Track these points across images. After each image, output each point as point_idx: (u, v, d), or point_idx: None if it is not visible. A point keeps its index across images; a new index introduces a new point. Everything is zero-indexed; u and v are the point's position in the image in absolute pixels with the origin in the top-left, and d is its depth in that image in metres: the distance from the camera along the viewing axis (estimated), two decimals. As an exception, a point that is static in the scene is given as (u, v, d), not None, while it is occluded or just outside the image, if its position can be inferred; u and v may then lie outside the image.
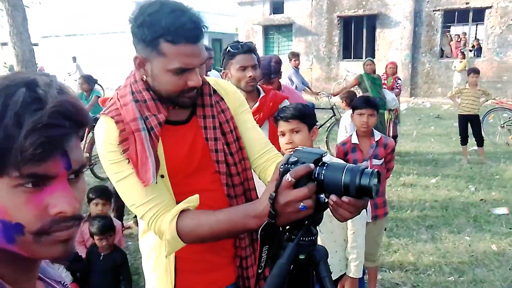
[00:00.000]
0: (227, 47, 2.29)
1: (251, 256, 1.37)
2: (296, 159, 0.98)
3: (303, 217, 0.98)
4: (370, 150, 2.77)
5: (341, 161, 2.04)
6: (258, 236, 0.99)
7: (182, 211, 1.14)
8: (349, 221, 1.01)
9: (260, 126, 2.24)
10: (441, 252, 3.66)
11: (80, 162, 0.63)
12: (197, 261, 1.31)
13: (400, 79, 7.55)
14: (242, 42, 2.30)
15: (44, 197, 0.59)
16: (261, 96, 2.34)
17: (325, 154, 1.00)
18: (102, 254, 2.81)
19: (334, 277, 2.01)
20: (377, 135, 2.82)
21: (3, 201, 0.57)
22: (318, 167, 0.96)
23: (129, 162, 1.16)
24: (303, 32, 17.01)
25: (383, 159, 2.79)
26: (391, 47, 15.51)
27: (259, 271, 1.03)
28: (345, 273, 2.03)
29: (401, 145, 7.52)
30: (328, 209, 1.00)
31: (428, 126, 9.88)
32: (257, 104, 2.28)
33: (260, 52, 13.00)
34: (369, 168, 0.93)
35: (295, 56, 7.70)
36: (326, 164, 0.97)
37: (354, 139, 2.84)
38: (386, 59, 14.47)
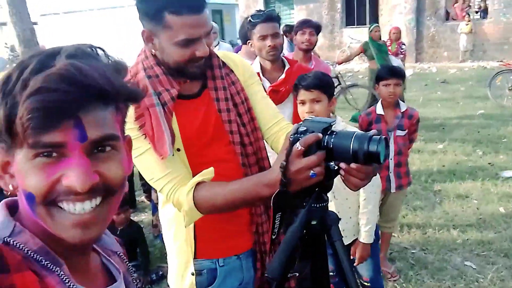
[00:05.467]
0: (248, 17, 2.28)
1: (266, 222, 1.41)
2: (305, 128, 1.01)
3: (314, 183, 1.01)
4: (395, 121, 2.73)
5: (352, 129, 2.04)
6: (271, 204, 1.03)
7: (198, 183, 1.18)
8: (361, 188, 1.05)
9: (285, 98, 2.27)
10: (449, 215, 3.71)
11: (101, 134, 0.59)
12: (215, 229, 1.35)
13: (404, 44, 7.44)
14: (263, 10, 2.28)
15: (58, 168, 0.57)
16: (286, 68, 2.32)
17: (333, 123, 1.02)
18: (119, 228, 2.88)
19: (347, 241, 2.06)
20: (403, 106, 2.77)
21: (24, 171, 0.57)
22: (327, 136, 0.99)
23: (145, 137, 1.20)
24: (304, -1, 16.68)
25: (407, 130, 2.75)
26: (395, 11, 15.19)
27: (273, 237, 1.07)
28: (357, 238, 2.08)
29: (407, 111, 7.46)
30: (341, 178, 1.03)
31: (434, 91, 9.80)
32: (283, 76, 2.27)
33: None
34: (380, 135, 0.96)
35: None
36: (334, 133, 1.00)
37: (379, 110, 2.77)
38: (390, 24, 14.16)
